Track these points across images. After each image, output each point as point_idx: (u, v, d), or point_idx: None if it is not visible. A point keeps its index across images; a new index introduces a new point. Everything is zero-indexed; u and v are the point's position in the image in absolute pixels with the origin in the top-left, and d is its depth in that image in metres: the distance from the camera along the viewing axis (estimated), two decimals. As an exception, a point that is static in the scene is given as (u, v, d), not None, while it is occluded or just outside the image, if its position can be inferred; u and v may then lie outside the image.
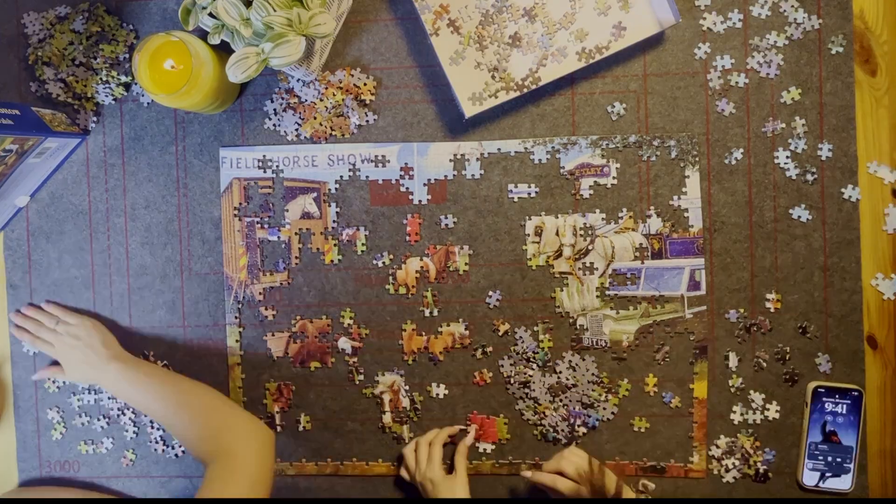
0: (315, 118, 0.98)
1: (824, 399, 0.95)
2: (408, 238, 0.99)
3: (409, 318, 0.99)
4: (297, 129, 0.99)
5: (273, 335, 1.00)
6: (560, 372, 0.98)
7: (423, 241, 0.99)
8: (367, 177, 0.99)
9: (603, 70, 0.97)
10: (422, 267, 0.99)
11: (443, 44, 0.95)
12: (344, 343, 1.00)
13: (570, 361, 0.98)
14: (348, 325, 0.99)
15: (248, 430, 0.86)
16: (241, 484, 0.81)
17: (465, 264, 0.98)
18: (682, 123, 0.97)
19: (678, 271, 0.97)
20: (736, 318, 0.97)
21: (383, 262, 0.99)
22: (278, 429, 1.01)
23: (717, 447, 0.97)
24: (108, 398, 1.02)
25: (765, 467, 0.96)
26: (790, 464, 0.96)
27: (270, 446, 0.87)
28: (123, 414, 1.01)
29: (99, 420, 1.02)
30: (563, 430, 0.98)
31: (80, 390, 1.02)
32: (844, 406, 0.95)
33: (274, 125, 0.99)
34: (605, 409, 0.97)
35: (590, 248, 0.98)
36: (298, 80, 0.98)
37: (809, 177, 0.96)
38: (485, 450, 0.99)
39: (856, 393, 0.94)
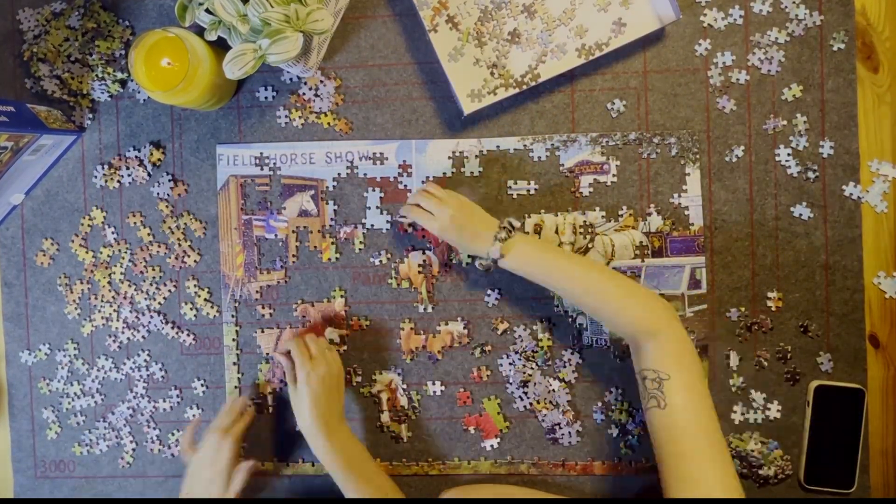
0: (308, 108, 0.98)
1: (826, 398, 0.94)
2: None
3: (407, 316, 0.99)
4: (288, 119, 0.99)
5: (263, 332, 1.00)
6: (559, 371, 0.97)
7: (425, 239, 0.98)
8: (364, 174, 0.98)
9: (603, 67, 0.96)
10: (424, 260, 0.98)
11: (441, 40, 0.95)
12: (331, 333, 0.99)
13: (569, 360, 0.97)
14: (343, 311, 0.99)
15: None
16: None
17: (469, 255, 0.98)
18: (682, 121, 0.96)
19: (679, 270, 0.96)
20: (737, 316, 0.96)
21: (380, 261, 0.98)
22: (270, 409, 0.99)
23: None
24: (103, 399, 1.01)
25: (767, 472, 0.95)
26: (791, 463, 0.96)
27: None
28: (120, 414, 1.01)
29: (94, 420, 1.01)
30: (562, 429, 0.97)
31: (77, 392, 1.01)
32: (846, 405, 0.94)
33: (274, 115, 0.99)
34: (606, 408, 0.97)
35: (590, 246, 0.97)
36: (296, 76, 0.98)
37: (811, 174, 0.95)
38: (491, 446, 0.98)
39: (857, 392, 0.94)
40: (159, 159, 1.00)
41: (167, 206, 1.00)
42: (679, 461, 0.76)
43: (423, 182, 0.98)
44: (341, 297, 0.99)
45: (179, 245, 1.00)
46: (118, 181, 1.00)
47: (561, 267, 0.85)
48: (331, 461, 0.86)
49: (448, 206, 0.89)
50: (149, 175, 1.00)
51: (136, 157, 0.99)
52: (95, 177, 1.00)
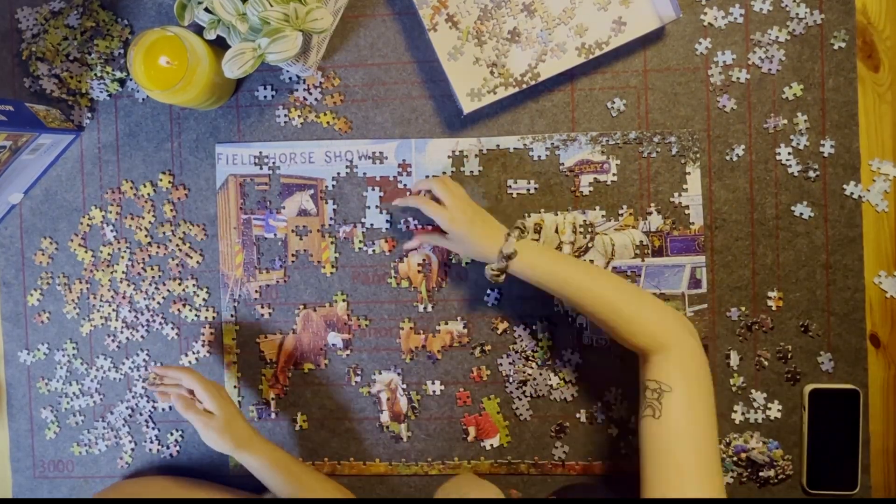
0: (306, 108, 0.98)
1: (821, 401, 0.94)
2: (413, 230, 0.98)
3: (406, 316, 0.98)
4: (287, 117, 0.98)
5: (266, 337, 0.99)
6: (559, 370, 0.97)
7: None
8: (364, 173, 0.98)
9: (603, 66, 0.96)
10: (424, 259, 0.98)
11: (441, 39, 0.94)
12: (334, 338, 0.98)
13: (569, 360, 0.97)
14: (345, 316, 0.98)
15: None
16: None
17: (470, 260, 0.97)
18: (682, 119, 0.96)
19: (679, 269, 0.96)
20: (737, 316, 0.96)
21: (373, 251, 0.98)
22: (273, 415, 0.99)
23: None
24: (102, 399, 1.01)
25: (767, 472, 0.95)
26: (792, 463, 0.95)
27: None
28: (119, 414, 1.00)
29: (93, 420, 1.01)
30: (562, 429, 0.97)
31: (75, 392, 1.01)
32: (842, 407, 0.94)
33: (274, 114, 0.98)
34: (606, 408, 0.97)
35: (590, 245, 0.97)
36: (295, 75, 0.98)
37: (811, 173, 0.95)
38: (491, 446, 0.98)
39: (853, 393, 0.93)
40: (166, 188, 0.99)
41: (167, 206, 1.00)
42: (665, 474, 0.73)
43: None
44: (343, 300, 0.99)
45: (179, 245, 1.00)
46: (119, 206, 1.00)
47: (571, 273, 0.83)
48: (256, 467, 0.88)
49: (460, 198, 0.86)
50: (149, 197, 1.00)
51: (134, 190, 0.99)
52: (91, 218, 1.00)
